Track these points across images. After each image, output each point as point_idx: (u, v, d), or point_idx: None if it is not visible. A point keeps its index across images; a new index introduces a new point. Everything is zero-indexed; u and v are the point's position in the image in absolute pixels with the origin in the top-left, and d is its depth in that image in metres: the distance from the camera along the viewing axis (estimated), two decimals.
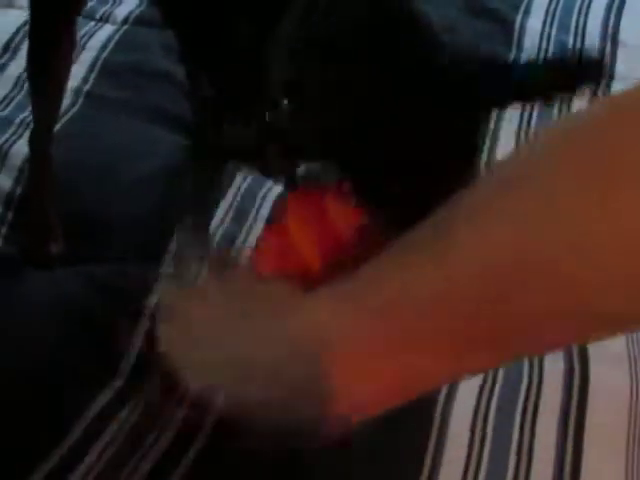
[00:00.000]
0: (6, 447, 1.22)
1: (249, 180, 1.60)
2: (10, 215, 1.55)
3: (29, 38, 1.46)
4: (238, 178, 1.60)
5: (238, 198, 1.57)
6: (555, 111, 1.61)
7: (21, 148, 1.63)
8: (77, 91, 1.77)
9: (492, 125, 1.65)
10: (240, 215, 1.54)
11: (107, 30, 1.93)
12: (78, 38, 1.88)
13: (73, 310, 1.40)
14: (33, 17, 1.42)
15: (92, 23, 1.95)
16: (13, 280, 1.45)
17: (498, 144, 1.65)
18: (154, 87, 1.77)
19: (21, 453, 1.21)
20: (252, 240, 1.50)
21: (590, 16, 1.96)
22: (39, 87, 1.49)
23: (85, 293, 1.42)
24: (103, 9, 2.00)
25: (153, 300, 1.40)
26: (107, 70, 1.82)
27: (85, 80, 1.80)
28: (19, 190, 1.58)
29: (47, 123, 1.51)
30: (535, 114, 1.75)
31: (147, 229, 1.52)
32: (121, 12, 1.99)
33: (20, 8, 1.97)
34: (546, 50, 1.86)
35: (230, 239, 1.51)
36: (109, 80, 1.80)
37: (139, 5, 1.99)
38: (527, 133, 1.70)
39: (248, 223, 1.54)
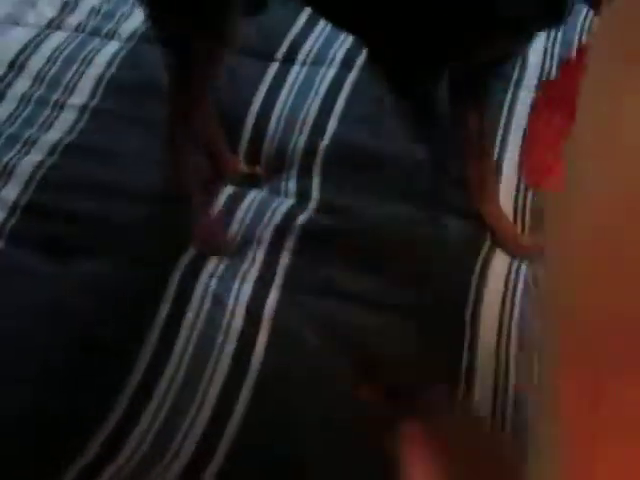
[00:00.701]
0: (37, 448, 1.26)
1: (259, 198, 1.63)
2: (13, 221, 1.57)
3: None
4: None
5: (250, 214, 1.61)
6: None
7: (27, 164, 1.66)
8: (83, 107, 1.79)
9: None
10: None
11: (113, 46, 1.95)
12: (91, 51, 1.92)
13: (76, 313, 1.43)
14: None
15: (98, 40, 1.98)
16: (15, 283, 1.48)
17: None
18: (159, 103, 1.77)
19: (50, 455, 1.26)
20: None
21: None
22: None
23: (86, 301, 1.45)
24: (109, 26, 2.02)
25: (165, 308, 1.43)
26: (113, 86, 1.84)
27: (92, 96, 1.82)
28: (24, 200, 1.60)
29: None
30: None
31: (151, 241, 1.54)
32: (126, 29, 2.01)
33: (25, 26, 2.00)
34: (549, 68, 1.88)
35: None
36: (115, 96, 1.82)
37: (144, 22, 2.01)
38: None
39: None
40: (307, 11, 1.96)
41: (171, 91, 1.48)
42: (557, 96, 1.23)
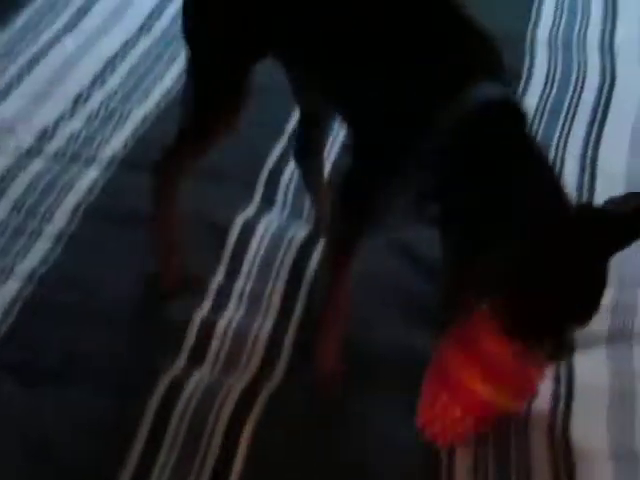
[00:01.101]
0: None
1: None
2: None
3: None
4: None
5: None
6: None
7: (5, 293, 1.69)
8: (60, 235, 1.81)
9: None
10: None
11: (92, 173, 1.98)
12: (70, 178, 1.95)
13: None
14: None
15: (77, 166, 2.00)
16: None
17: None
18: (136, 232, 1.79)
19: None
20: None
21: (568, 147, 2.03)
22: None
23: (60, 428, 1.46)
24: (88, 152, 2.05)
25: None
26: (91, 214, 1.87)
27: (69, 224, 1.84)
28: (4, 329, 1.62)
29: None
30: None
31: (127, 367, 1.56)
32: (106, 154, 2.03)
33: (4, 153, 2.03)
34: None
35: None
36: (92, 224, 1.85)
37: (124, 147, 2.05)
38: None
39: None
40: None
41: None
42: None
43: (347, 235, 1.51)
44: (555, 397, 1.51)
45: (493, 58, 1.43)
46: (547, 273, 1.27)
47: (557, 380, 1.53)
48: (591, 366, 1.56)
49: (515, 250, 1.27)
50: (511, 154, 1.35)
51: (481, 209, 1.32)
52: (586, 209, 1.35)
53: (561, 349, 1.36)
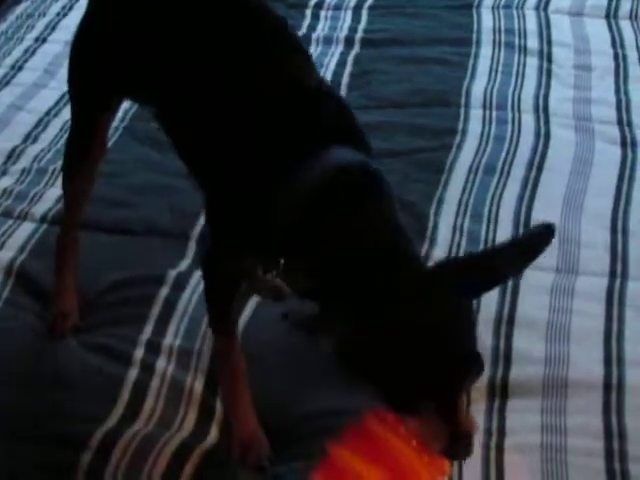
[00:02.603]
0: None
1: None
2: None
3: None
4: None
5: None
6: None
7: None
8: None
9: None
10: None
11: (26, 229, 2.02)
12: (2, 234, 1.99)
13: None
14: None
15: (10, 221, 2.04)
16: None
17: None
18: None
19: None
20: None
21: (502, 205, 2.09)
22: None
23: None
24: (21, 207, 2.09)
25: None
26: (24, 275, 1.90)
27: (3, 285, 1.88)
28: None
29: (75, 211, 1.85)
30: None
31: (53, 416, 1.59)
32: (39, 210, 2.07)
33: None
34: (458, 243, 1.98)
35: None
36: (26, 286, 1.88)
37: (57, 203, 2.08)
38: None
39: None
40: None
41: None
42: None
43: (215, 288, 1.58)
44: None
45: (344, 122, 1.44)
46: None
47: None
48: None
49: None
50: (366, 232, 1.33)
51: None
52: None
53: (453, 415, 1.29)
